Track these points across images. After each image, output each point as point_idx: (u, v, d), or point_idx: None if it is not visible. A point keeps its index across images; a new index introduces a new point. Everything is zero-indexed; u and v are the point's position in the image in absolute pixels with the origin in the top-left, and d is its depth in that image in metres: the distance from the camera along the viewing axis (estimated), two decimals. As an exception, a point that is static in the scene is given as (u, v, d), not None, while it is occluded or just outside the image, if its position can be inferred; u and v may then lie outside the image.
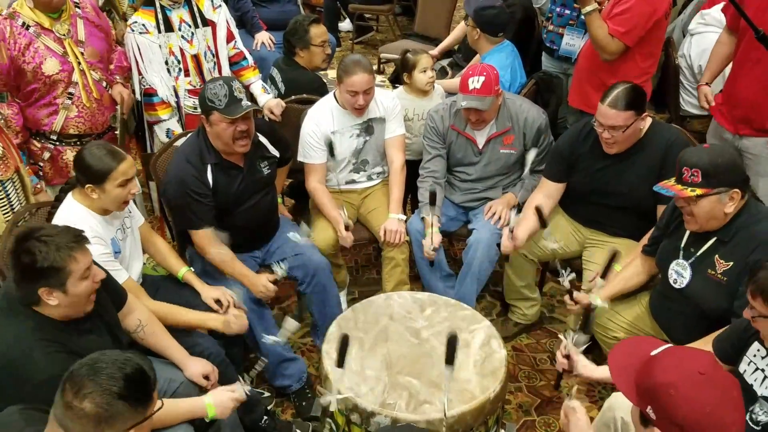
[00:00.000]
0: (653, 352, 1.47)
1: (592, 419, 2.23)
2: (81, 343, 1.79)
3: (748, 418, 1.78)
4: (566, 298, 2.41)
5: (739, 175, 2.01)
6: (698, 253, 2.12)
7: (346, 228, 2.76)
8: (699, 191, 1.99)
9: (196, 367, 2.13)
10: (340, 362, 1.93)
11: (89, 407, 1.34)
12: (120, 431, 1.38)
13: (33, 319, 1.73)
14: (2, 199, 2.43)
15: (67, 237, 1.73)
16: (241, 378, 2.03)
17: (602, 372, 2.03)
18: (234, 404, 1.97)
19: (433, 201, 2.69)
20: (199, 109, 3.08)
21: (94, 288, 1.80)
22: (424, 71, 3.13)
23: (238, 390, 1.99)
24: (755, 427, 1.76)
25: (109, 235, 2.22)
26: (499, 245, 2.84)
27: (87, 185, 2.13)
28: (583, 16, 2.88)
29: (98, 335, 1.88)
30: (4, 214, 2.42)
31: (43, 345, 1.70)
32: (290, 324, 2.19)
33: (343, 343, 1.92)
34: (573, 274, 2.33)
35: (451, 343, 1.83)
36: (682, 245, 2.17)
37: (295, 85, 3.31)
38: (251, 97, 3.24)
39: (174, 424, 1.90)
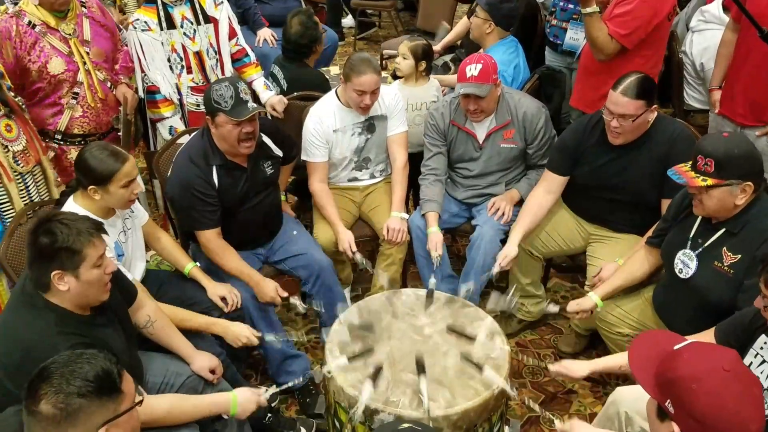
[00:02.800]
0: (676, 347, 1.46)
1: (595, 414, 2.24)
2: (99, 336, 1.82)
3: None
4: (569, 313, 2.47)
5: (754, 168, 2.00)
6: (706, 245, 2.12)
7: (353, 253, 2.76)
8: (710, 181, 1.98)
9: (203, 361, 2.16)
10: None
11: (46, 408, 1.33)
12: (89, 429, 1.35)
13: (54, 312, 1.76)
14: (21, 190, 2.44)
15: (88, 223, 1.78)
16: (266, 387, 2.08)
17: (587, 366, 2.08)
18: (255, 407, 2.00)
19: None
20: (202, 108, 3.11)
21: (105, 279, 1.82)
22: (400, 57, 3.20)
23: (264, 395, 2.03)
24: None
25: (112, 239, 2.22)
26: (502, 241, 2.84)
27: (90, 187, 2.14)
28: (583, 17, 2.84)
29: (113, 329, 1.90)
30: (25, 206, 2.44)
31: (67, 338, 1.72)
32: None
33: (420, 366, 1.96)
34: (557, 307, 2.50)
35: (419, 364, 1.92)
36: (691, 235, 2.17)
37: (298, 83, 3.31)
38: (254, 95, 3.25)
39: (196, 418, 1.93)
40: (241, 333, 2.30)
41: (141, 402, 1.48)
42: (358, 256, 2.74)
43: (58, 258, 1.72)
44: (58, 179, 2.72)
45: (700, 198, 2.04)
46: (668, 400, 1.39)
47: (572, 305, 2.43)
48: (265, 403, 2.04)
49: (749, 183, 1.98)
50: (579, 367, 2.09)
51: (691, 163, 2.05)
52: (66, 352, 1.43)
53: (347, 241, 2.78)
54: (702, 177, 1.99)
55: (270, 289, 2.50)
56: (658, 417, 1.43)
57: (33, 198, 2.48)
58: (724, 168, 1.96)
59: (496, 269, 2.64)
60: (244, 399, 1.98)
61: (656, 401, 1.44)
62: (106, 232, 1.84)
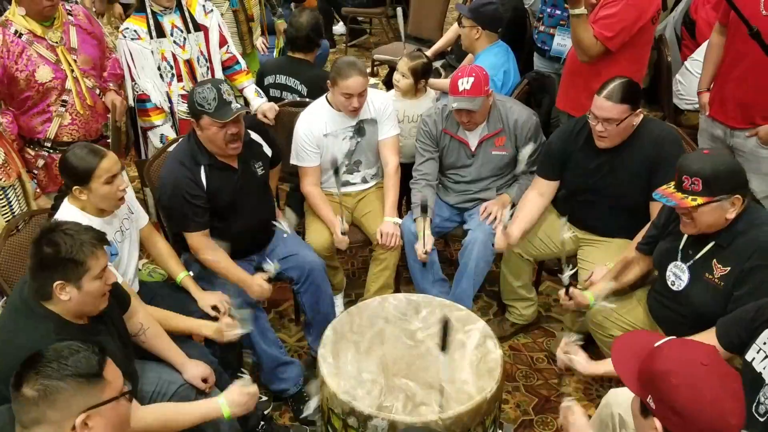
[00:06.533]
0: (657, 343, 1.48)
1: (589, 417, 2.24)
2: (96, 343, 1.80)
3: (753, 410, 1.78)
4: (561, 293, 2.41)
5: (741, 180, 2.01)
6: (697, 257, 2.12)
7: (343, 233, 2.78)
8: (700, 200, 1.98)
9: (195, 370, 2.15)
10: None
11: (26, 391, 1.37)
12: (69, 413, 1.38)
13: (52, 321, 1.76)
14: (3, 206, 2.44)
15: (91, 234, 1.79)
16: (242, 375, 2.04)
17: (602, 367, 2.05)
18: (247, 398, 1.96)
19: (424, 210, 2.69)
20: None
21: (105, 290, 1.83)
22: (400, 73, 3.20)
23: (249, 386, 1.98)
24: (759, 419, 1.76)
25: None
26: (494, 245, 2.85)
27: (75, 188, 2.13)
28: (570, 17, 2.85)
29: (111, 337, 1.90)
30: (6, 221, 2.43)
31: None
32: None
33: (445, 328, 1.82)
34: (574, 270, 2.34)
35: (445, 328, 1.77)
36: (681, 247, 2.17)
37: (317, 79, 3.25)
38: (243, 100, 3.25)
39: (186, 427, 1.91)
40: (228, 332, 2.29)
41: (129, 393, 1.49)
42: (344, 222, 2.78)
43: (61, 269, 1.72)
44: (37, 191, 2.71)
45: (691, 216, 2.04)
46: (649, 396, 1.42)
47: (574, 291, 2.38)
48: (255, 390, 1.99)
49: (738, 196, 1.99)
50: (599, 365, 2.06)
51: (674, 183, 2.05)
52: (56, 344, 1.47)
53: (339, 230, 2.79)
54: (691, 197, 2.00)
55: (255, 281, 2.51)
56: (642, 414, 1.45)
57: (14, 211, 2.48)
58: (712, 184, 1.97)
59: (507, 220, 2.65)
60: (231, 400, 1.94)
61: (639, 398, 1.46)
62: (108, 243, 1.84)
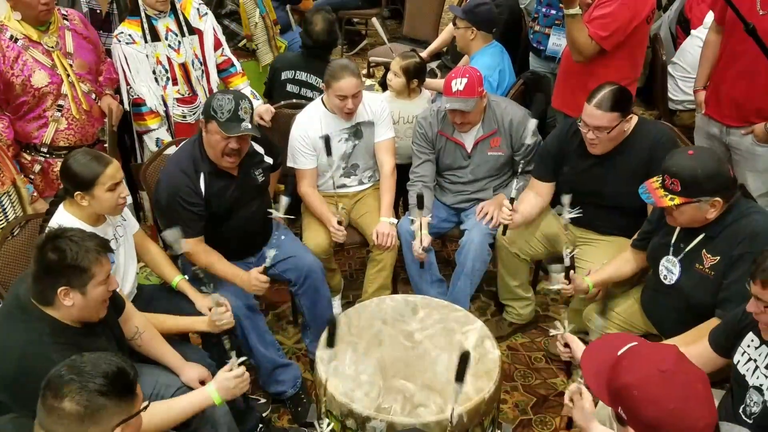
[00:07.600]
0: (619, 352, 1.47)
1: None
2: (93, 346, 1.80)
3: (740, 411, 1.79)
4: (560, 276, 2.37)
5: (722, 184, 2.02)
6: (687, 249, 2.15)
7: (339, 223, 2.78)
8: (678, 200, 2.02)
9: (193, 373, 2.15)
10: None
11: (69, 406, 1.36)
12: (106, 428, 1.39)
13: (47, 323, 1.76)
14: None
15: (96, 241, 1.80)
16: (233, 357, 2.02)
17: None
18: (236, 382, 1.96)
19: (420, 205, 2.69)
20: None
21: (107, 295, 1.84)
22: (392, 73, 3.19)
23: (235, 368, 1.97)
24: (747, 420, 1.77)
25: None
26: (491, 245, 2.86)
27: (76, 193, 2.13)
28: (564, 17, 2.86)
29: (107, 340, 1.90)
30: (1, 228, 2.42)
31: (60, 348, 1.72)
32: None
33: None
34: (572, 253, 2.35)
35: (463, 360, 1.76)
36: (672, 241, 2.19)
37: None
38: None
39: (181, 421, 1.91)
40: (221, 319, 2.25)
41: (148, 405, 1.50)
42: (338, 211, 2.78)
43: (66, 275, 1.73)
44: (33, 194, 2.71)
45: (670, 212, 2.09)
46: (620, 408, 1.42)
47: (573, 275, 2.38)
48: (242, 371, 1.98)
49: (717, 199, 2.01)
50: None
51: (661, 179, 2.09)
52: (92, 353, 1.46)
53: (334, 221, 2.78)
54: (670, 196, 2.03)
55: (252, 275, 2.49)
56: (619, 422, 1.46)
57: (9, 219, 2.47)
58: (691, 187, 2.00)
59: (513, 194, 2.62)
60: (221, 386, 1.94)
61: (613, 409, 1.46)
62: (111, 250, 1.85)
